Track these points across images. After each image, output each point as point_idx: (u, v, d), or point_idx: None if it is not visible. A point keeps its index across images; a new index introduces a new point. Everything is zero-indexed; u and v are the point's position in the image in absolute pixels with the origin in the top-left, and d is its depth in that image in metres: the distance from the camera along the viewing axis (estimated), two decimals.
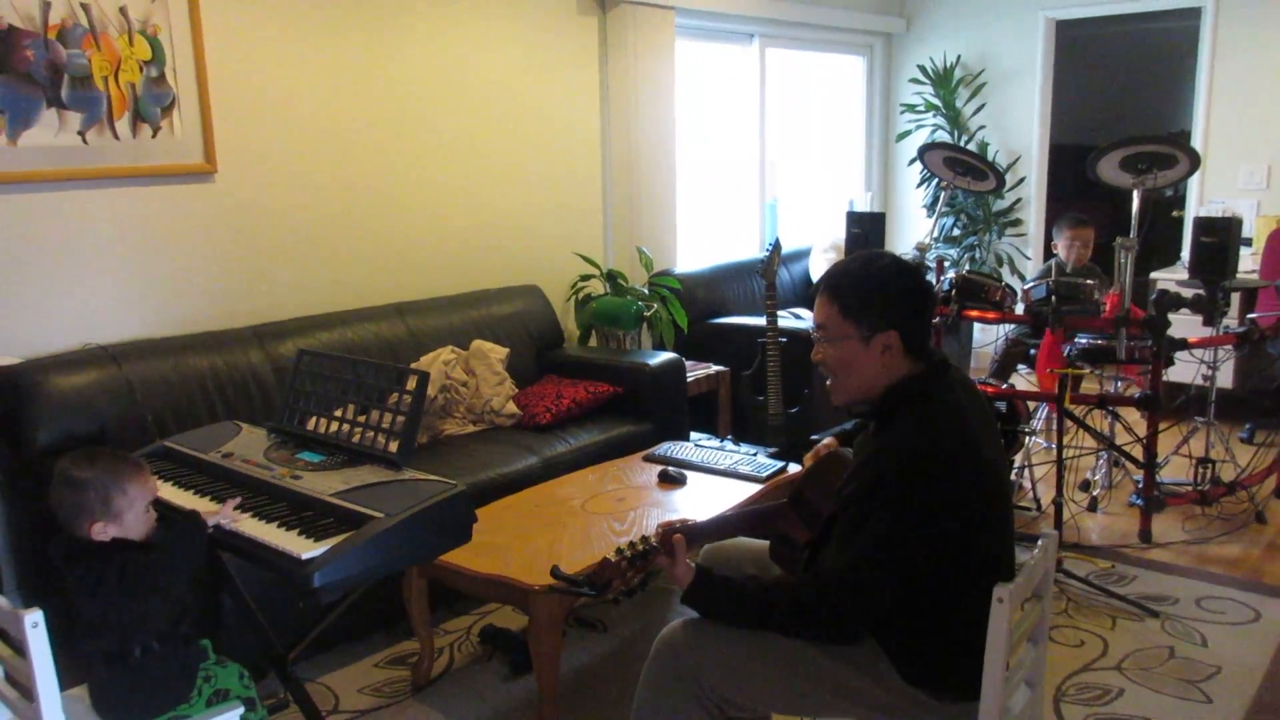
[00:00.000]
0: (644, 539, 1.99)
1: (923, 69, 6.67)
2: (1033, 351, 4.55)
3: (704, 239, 5.82)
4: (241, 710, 2.12)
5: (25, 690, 1.86)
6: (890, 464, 1.81)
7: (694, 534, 2.08)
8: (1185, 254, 5.72)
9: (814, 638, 1.89)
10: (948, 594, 1.84)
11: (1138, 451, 3.96)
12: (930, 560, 1.80)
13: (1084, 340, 4.34)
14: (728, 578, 1.98)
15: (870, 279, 1.94)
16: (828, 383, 2.01)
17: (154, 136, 3.38)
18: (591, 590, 1.94)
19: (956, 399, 1.91)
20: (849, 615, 1.84)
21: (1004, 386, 4.32)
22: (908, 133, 6.85)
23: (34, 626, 1.77)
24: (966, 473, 1.81)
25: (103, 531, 1.99)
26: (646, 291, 4.78)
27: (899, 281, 1.93)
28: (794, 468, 3.39)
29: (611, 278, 4.80)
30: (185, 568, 2.07)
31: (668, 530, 2.02)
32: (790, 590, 1.89)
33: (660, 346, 4.76)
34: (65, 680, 1.90)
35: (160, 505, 2.15)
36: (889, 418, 1.92)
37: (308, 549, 2.02)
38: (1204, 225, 3.90)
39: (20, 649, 1.82)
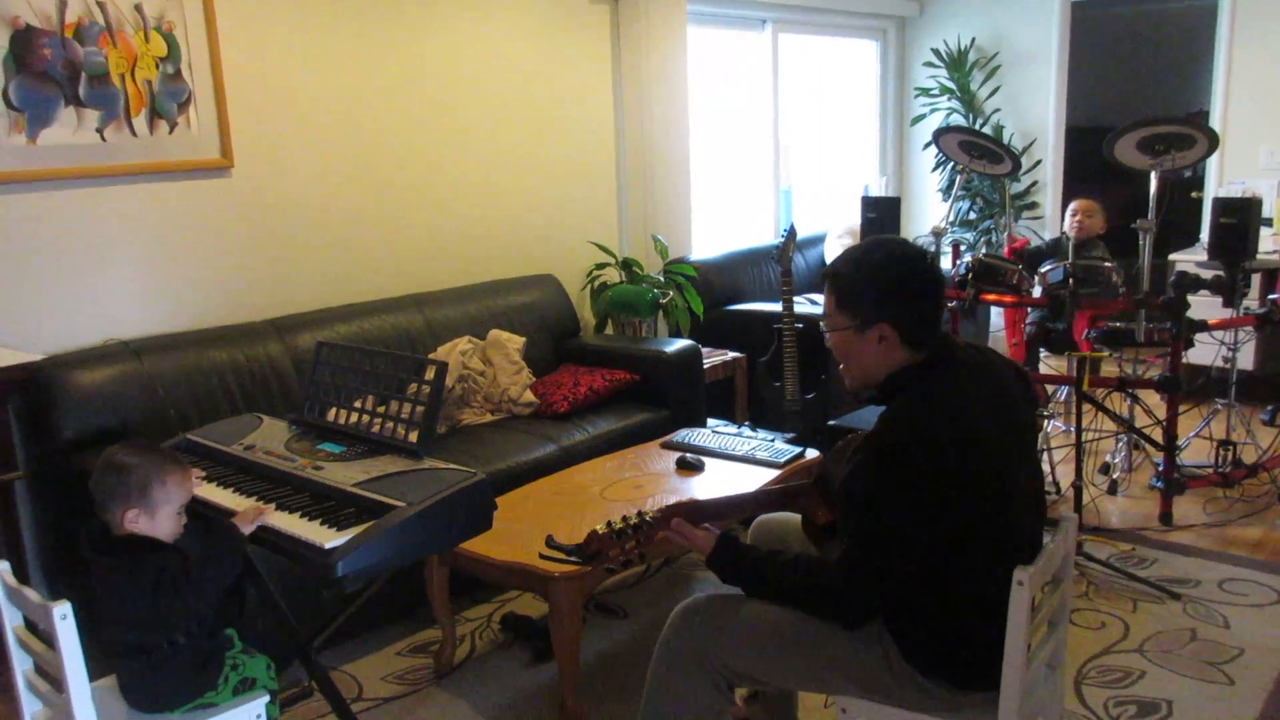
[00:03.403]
0: (639, 514, 2.05)
1: (937, 52, 6.63)
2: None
3: (719, 226, 5.81)
4: (267, 699, 2.15)
5: (56, 682, 1.89)
6: (873, 450, 1.83)
7: (698, 513, 2.12)
8: (1205, 235, 5.67)
9: (825, 618, 1.92)
10: (958, 581, 1.83)
11: (1157, 434, 3.94)
12: (930, 543, 1.79)
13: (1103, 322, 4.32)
14: (750, 546, 2.01)
15: (862, 271, 1.94)
16: (840, 368, 2.03)
17: (171, 132, 3.40)
18: (580, 559, 2.03)
19: (959, 385, 1.88)
20: (855, 600, 1.86)
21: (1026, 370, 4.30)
22: (922, 117, 6.81)
23: (63, 619, 1.80)
24: (952, 457, 1.77)
25: (134, 521, 2.00)
26: (662, 279, 4.78)
27: (888, 273, 1.91)
28: (811, 453, 3.39)
29: (627, 266, 4.80)
30: (226, 577, 2.08)
31: (668, 511, 2.07)
32: (808, 570, 1.91)
33: (676, 334, 4.76)
34: (94, 670, 1.92)
35: (198, 505, 2.17)
36: (888, 404, 1.93)
37: (331, 539, 2.03)
38: (1223, 206, 3.86)
39: (49, 641, 1.84)
